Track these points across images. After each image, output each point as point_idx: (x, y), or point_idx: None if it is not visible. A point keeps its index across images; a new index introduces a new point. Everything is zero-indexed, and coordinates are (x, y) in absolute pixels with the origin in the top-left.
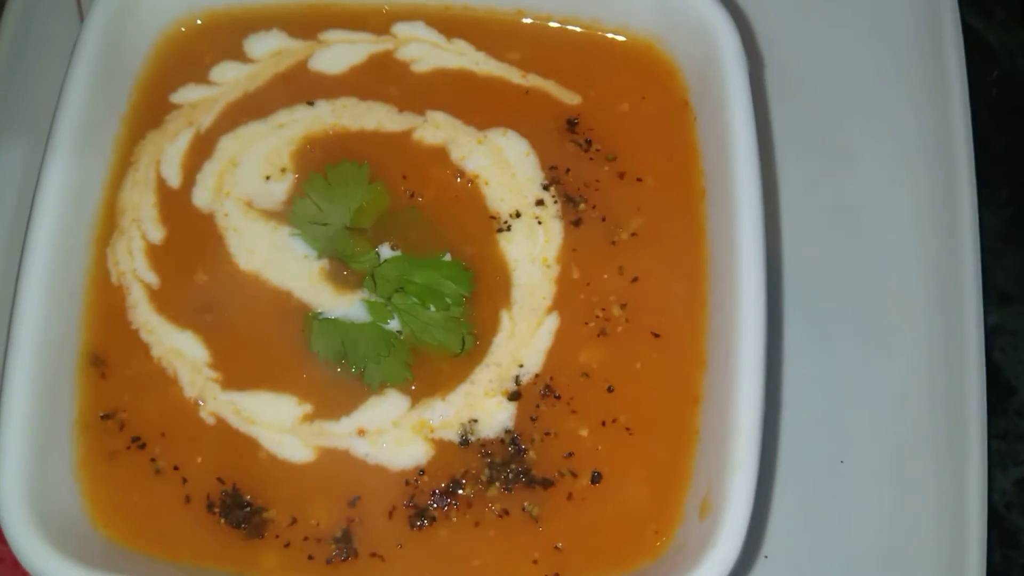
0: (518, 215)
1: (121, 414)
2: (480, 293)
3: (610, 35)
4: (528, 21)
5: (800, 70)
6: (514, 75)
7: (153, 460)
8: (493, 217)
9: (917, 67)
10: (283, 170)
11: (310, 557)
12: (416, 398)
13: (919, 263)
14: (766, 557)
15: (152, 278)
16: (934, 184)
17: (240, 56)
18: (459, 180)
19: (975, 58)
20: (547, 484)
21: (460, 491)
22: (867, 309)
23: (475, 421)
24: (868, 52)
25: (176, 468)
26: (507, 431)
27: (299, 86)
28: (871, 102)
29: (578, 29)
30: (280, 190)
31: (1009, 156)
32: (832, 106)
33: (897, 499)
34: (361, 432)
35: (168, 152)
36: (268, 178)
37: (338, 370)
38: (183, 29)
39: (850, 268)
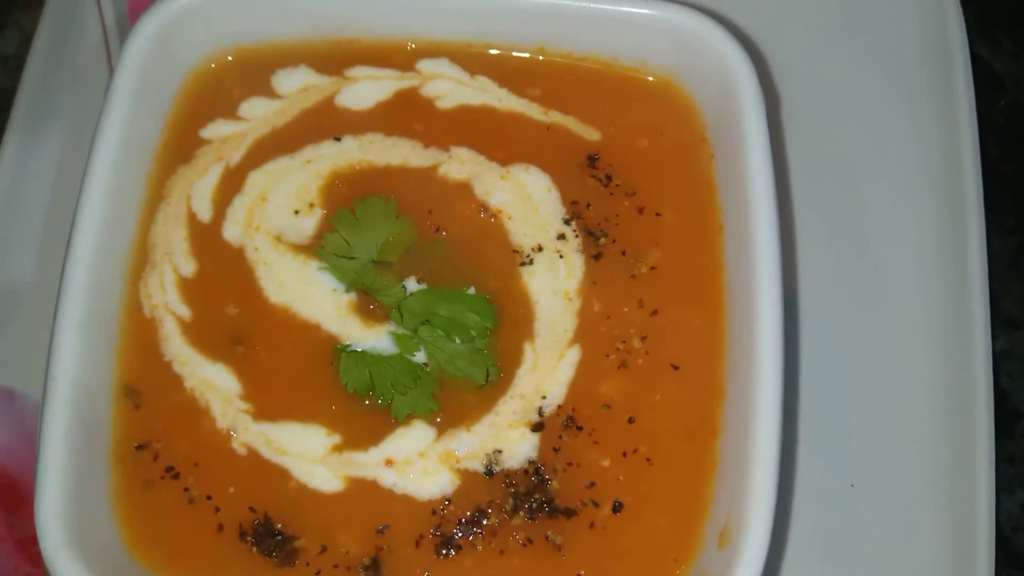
0: (540, 249)
1: (155, 444)
2: (503, 326)
3: (629, 72)
4: (549, 59)
5: (812, 102)
6: (535, 111)
7: (187, 490)
8: (516, 251)
9: (927, 97)
10: (311, 205)
11: None
12: (442, 429)
13: (928, 290)
14: None
15: (184, 311)
16: (943, 212)
17: (268, 92)
18: (483, 215)
19: (983, 86)
20: (570, 513)
21: (485, 520)
22: (877, 335)
23: (499, 452)
24: (878, 82)
25: (209, 497)
26: (531, 461)
27: (326, 122)
28: (881, 132)
29: (597, 66)
30: (309, 224)
31: (1016, 183)
32: (844, 137)
33: (907, 521)
34: (389, 462)
35: (199, 187)
36: (297, 213)
37: (366, 402)
38: (213, 66)
39: (861, 296)
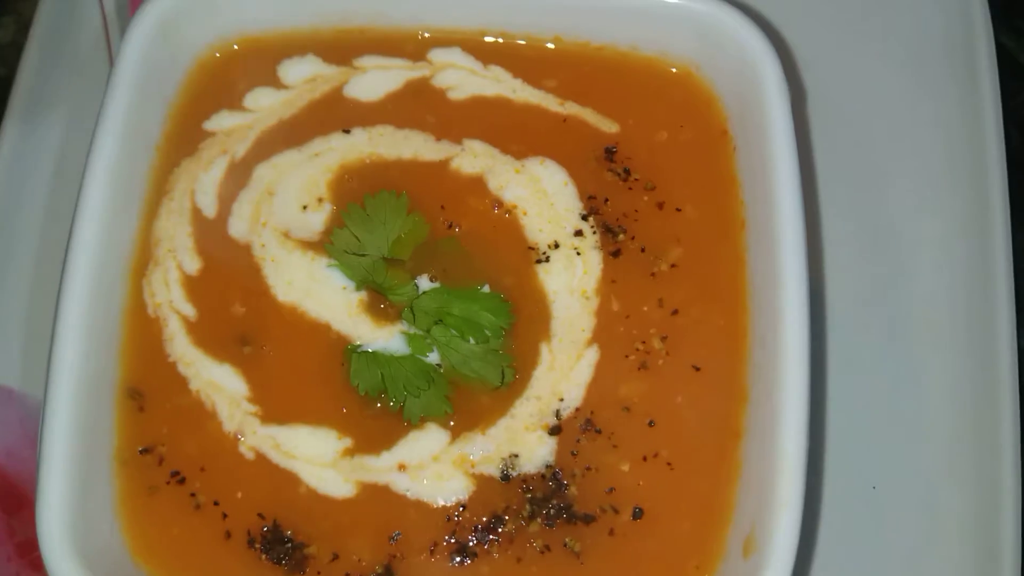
0: (557, 246)
1: (160, 448)
2: (519, 325)
3: (648, 63)
4: (565, 48)
5: (836, 95)
6: (551, 103)
7: (193, 495)
8: (531, 248)
9: (951, 89)
10: (320, 200)
11: None
12: (456, 432)
13: (953, 285)
14: None
15: (189, 310)
16: (967, 205)
17: (274, 82)
18: (497, 210)
19: (1007, 77)
20: (588, 520)
21: (501, 527)
22: (901, 331)
23: (516, 456)
24: (902, 74)
25: (216, 503)
26: (548, 466)
27: (335, 113)
28: (905, 124)
29: (616, 56)
30: (318, 220)
31: None
32: (868, 130)
33: (930, 523)
34: (402, 467)
35: (203, 181)
36: (305, 208)
37: (378, 404)
38: (217, 55)
39: (885, 292)
